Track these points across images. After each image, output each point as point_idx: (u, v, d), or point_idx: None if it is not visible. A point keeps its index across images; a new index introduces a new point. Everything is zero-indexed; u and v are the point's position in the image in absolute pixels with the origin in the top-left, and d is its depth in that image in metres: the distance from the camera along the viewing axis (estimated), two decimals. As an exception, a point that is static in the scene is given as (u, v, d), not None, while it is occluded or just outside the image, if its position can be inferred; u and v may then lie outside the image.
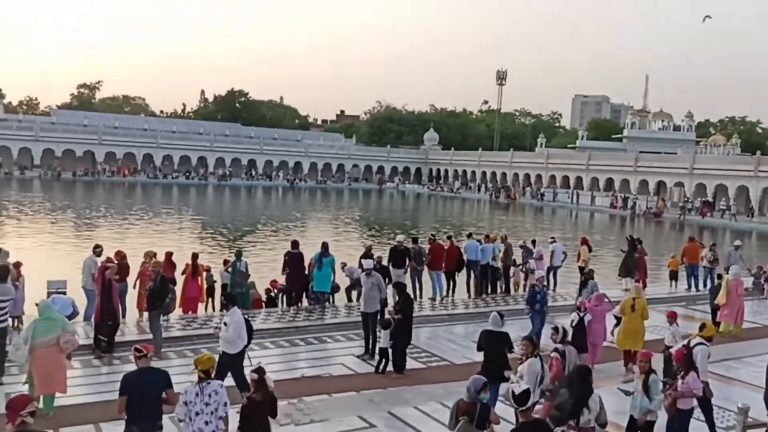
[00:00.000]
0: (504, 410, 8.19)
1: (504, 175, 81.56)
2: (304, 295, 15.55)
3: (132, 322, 13.49)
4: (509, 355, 8.98)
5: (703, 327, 9.20)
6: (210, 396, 6.30)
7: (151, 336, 11.70)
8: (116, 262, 12.33)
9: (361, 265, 13.50)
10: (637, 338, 11.37)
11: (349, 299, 16.11)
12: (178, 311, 13.80)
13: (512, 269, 18.51)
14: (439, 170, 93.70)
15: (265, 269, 19.76)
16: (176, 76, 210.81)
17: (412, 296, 13.54)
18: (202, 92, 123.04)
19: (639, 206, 57.12)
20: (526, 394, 5.81)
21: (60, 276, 14.71)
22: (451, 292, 17.51)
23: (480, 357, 9.24)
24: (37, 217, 36.14)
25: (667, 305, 16.16)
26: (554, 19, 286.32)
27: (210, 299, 15.55)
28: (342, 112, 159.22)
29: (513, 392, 5.87)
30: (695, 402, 8.06)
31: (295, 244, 15.42)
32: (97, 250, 13.44)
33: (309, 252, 15.93)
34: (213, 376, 6.60)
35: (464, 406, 6.17)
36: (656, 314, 13.71)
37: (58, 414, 8.61)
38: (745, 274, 19.57)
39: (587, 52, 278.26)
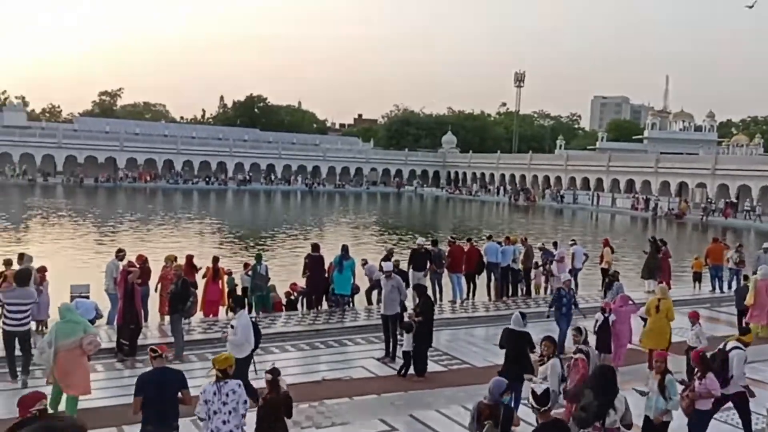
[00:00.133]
0: (522, 411, 8.13)
1: (523, 177, 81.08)
2: (324, 298, 15.55)
3: (154, 326, 13.59)
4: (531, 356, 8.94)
5: (747, 331, 9.14)
6: (227, 395, 6.31)
7: (172, 339, 11.78)
8: (138, 266, 12.44)
9: (381, 268, 13.48)
10: (662, 339, 11.22)
11: (369, 302, 16.09)
12: (199, 314, 13.88)
13: (533, 271, 18.37)
14: (457, 173, 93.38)
15: (285, 272, 19.81)
16: (196, 83, 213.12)
17: (432, 299, 13.48)
18: (221, 98, 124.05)
19: (660, 208, 56.46)
20: (546, 394, 5.80)
21: (83, 280, 14.87)
22: (471, 294, 17.41)
23: (502, 359, 9.21)
24: (61, 223, 36.60)
25: (691, 307, 15.86)
26: (572, 20, 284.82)
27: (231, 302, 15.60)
28: (360, 116, 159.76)
29: (534, 392, 5.84)
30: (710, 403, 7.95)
31: (315, 247, 15.44)
32: (120, 254, 13.57)
33: (329, 255, 15.94)
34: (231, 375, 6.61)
35: (487, 410, 6.08)
36: (679, 316, 13.48)
37: (81, 416, 8.66)
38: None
39: (606, 52, 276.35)
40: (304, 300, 15.75)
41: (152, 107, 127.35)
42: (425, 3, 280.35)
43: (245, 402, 6.41)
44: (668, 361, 7.77)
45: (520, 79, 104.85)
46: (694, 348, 9.85)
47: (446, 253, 17.04)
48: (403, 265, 15.39)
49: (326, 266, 15.42)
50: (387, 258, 14.16)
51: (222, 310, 14.85)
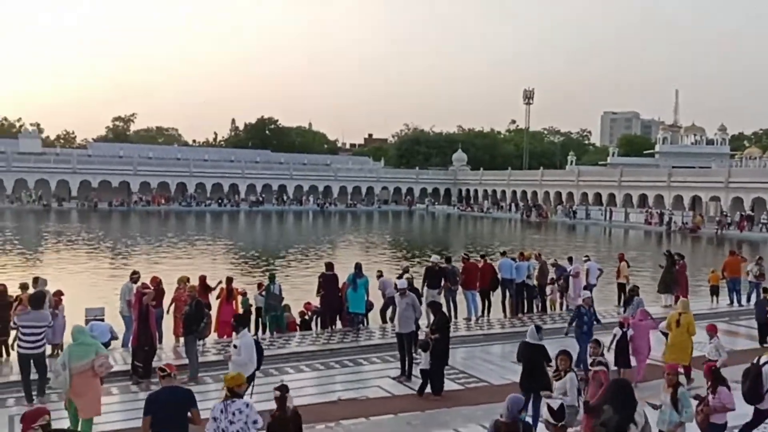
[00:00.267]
0: (541, 428, 8.00)
1: (534, 193, 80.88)
2: (338, 316, 15.49)
3: (168, 348, 13.57)
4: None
5: None
6: (234, 414, 6.23)
7: (187, 361, 11.74)
8: (152, 287, 12.46)
9: (396, 286, 13.40)
10: (684, 354, 11.07)
11: (384, 320, 16.00)
12: (213, 336, 13.86)
13: (549, 287, 18.22)
14: (468, 190, 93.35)
15: (298, 292, 19.79)
16: (207, 106, 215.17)
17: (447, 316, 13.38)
18: (233, 121, 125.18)
19: (674, 222, 56.04)
20: (562, 409, 5.82)
21: (98, 303, 14.92)
22: (486, 311, 17.27)
23: (519, 377, 9.15)
24: (75, 247, 36.85)
25: (709, 321, 15.67)
26: (580, 36, 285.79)
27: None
28: (370, 135, 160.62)
29: (550, 407, 5.78)
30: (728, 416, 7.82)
31: (329, 266, 15.41)
32: (134, 276, 13.62)
33: (342, 274, 15.90)
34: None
35: (504, 427, 5.99)
36: (698, 330, 13.31)
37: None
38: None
39: (615, 68, 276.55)
40: (318, 319, 15.70)
41: (165, 131, 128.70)
42: (434, 22, 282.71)
43: (255, 422, 6.30)
44: (690, 376, 7.66)
45: (529, 96, 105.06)
46: (714, 361, 9.72)
47: (460, 270, 16.95)
48: (417, 283, 15.32)
49: (340, 285, 15.37)
50: (402, 275, 14.10)
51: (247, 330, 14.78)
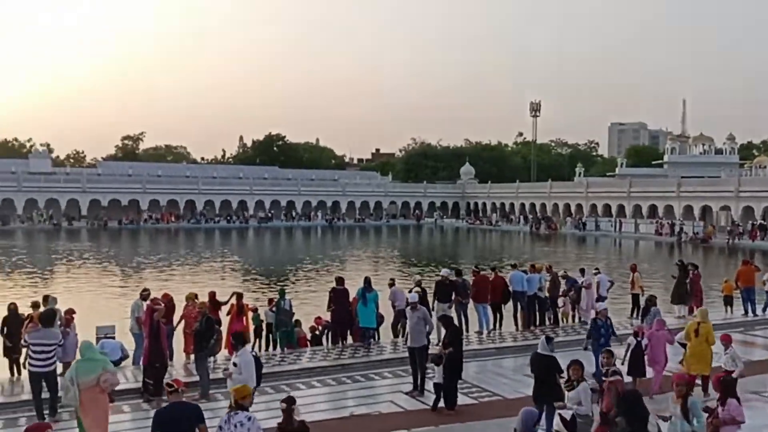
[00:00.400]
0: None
1: (543, 206, 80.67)
2: (349, 332, 15.41)
3: (179, 365, 13.53)
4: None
5: None
6: (236, 426, 6.25)
7: (198, 378, 11.69)
8: (163, 304, 12.44)
9: (407, 301, 13.33)
10: (705, 364, 10.95)
11: (395, 335, 15.91)
12: (224, 352, 13.79)
13: (561, 300, 18.07)
14: (476, 204, 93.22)
15: (308, 307, 19.74)
16: (215, 124, 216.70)
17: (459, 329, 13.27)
18: (241, 138, 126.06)
19: (685, 232, 55.67)
20: (574, 419, 5.70)
21: (108, 321, 14.92)
22: (498, 324, 17.14)
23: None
24: (86, 265, 36.99)
25: (724, 331, 15.51)
26: (586, 47, 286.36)
27: (257, 339, 15.55)
28: (377, 150, 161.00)
29: (563, 418, 5.75)
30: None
31: (340, 281, 15.36)
32: (144, 293, 13.61)
33: (351, 289, 15.83)
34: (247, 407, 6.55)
35: (521, 442, 5.93)
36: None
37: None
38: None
39: (622, 79, 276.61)
40: (329, 334, 15.63)
41: (173, 149, 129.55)
42: (438, 36, 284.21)
43: None
44: (708, 388, 7.54)
45: (535, 109, 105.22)
46: (731, 372, 9.59)
47: (471, 283, 16.85)
48: (430, 297, 15.23)
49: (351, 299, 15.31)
50: (412, 290, 14.04)
51: (247, 347, 14.73)
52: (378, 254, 46.39)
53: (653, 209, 66.83)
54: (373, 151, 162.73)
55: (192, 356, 12.93)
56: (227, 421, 6.32)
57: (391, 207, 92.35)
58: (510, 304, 17.27)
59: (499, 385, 12.28)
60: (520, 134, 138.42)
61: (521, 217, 79.51)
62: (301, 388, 11.97)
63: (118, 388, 11.16)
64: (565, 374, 8.66)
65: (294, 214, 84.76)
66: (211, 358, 12.67)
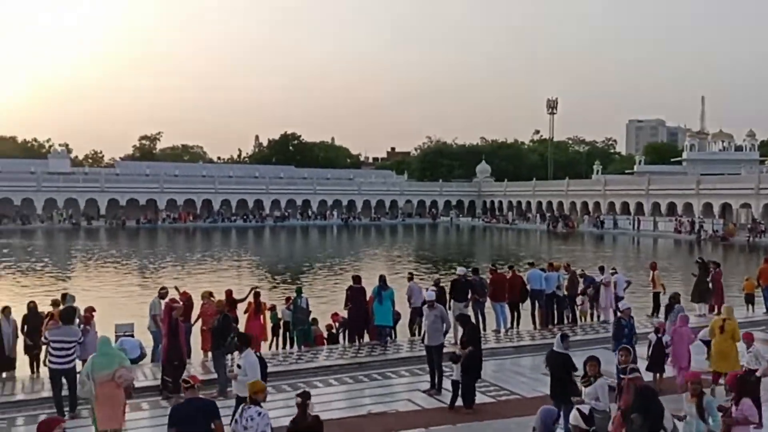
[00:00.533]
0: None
1: (560, 204, 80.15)
2: (365, 330, 15.38)
3: (197, 362, 13.59)
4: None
5: None
6: (247, 420, 6.39)
7: (215, 375, 11.73)
8: (182, 302, 12.50)
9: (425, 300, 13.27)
10: (731, 360, 10.82)
11: (412, 333, 15.86)
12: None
13: (579, 298, 17.92)
14: (493, 202, 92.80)
15: (325, 306, 19.75)
16: (231, 124, 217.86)
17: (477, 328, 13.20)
18: (257, 137, 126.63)
19: (705, 230, 55.03)
20: (591, 414, 5.96)
21: (128, 319, 15.03)
22: (515, 323, 17.05)
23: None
24: (104, 264, 37.34)
25: (746, 330, 15.28)
26: (603, 44, 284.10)
27: (275, 337, 15.58)
28: (393, 149, 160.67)
29: (582, 413, 5.73)
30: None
31: (356, 279, 15.36)
32: (162, 291, 13.69)
33: (368, 288, 15.81)
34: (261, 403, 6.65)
35: (540, 441, 5.87)
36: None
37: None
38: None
39: (639, 75, 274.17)
40: (346, 332, 15.62)
41: (190, 149, 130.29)
42: (454, 34, 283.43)
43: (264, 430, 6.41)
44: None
45: (552, 106, 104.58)
46: (755, 371, 9.44)
47: (488, 282, 16.76)
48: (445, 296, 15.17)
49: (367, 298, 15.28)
50: (428, 289, 13.99)
51: (264, 345, 14.78)
52: (394, 253, 46.34)
53: (672, 207, 66.14)
54: (389, 149, 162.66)
55: (210, 354, 12.96)
56: (241, 414, 6.51)
57: (407, 206, 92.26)
58: (528, 302, 17.17)
59: (518, 384, 12.20)
60: (537, 132, 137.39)
61: (538, 215, 79.07)
62: (319, 386, 11.96)
63: (137, 385, 11.28)
64: (579, 371, 8.65)
65: (310, 213, 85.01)
66: (229, 356, 12.70)
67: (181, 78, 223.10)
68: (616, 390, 8.70)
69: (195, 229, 71.72)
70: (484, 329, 16.18)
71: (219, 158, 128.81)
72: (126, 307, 21.13)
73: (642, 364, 11.00)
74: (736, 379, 7.61)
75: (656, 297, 18.50)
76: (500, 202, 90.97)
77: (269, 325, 15.04)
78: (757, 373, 9.25)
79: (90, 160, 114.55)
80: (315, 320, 15.68)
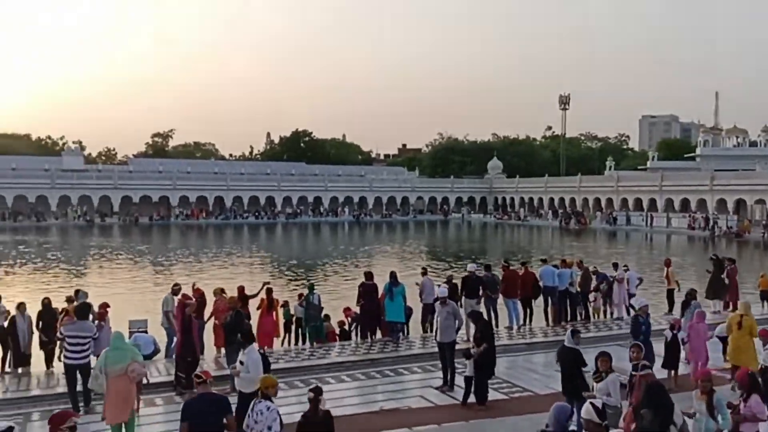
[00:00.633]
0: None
1: (572, 200, 79.77)
2: (378, 326, 15.38)
3: (210, 358, 13.65)
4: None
5: None
6: (257, 414, 6.48)
7: (228, 371, 11.76)
8: (195, 299, 12.56)
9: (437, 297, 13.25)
10: (749, 356, 10.72)
11: (425, 330, 15.85)
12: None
13: (592, 294, 17.82)
14: (504, 198, 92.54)
15: (337, 302, 19.76)
16: (243, 121, 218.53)
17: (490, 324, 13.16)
18: (268, 134, 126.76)
19: (719, 227, 54.55)
20: (604, 409, 5.89)
21: (141, 315, 15.12)
22: (528, 320, 16.99)
23: (563, 385, 9.06)
24: (118, 260, 37.59)
25: (762, 327, 15.14)
26: (616, 39, 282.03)
27: (287, 334, 15.62)
28: (404, 145, 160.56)
29: (595, 407, 5.71)
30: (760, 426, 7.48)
31: (369, 276, 15.35)
32: (175, 288, 13.76)
33: (379, 284, 15.80)
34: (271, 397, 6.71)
35: (554, 438, 5.84)
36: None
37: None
38: None
39: (652, 71, 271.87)
40: (358, 328, 15.62)
41: (202, 146, 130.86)
42: (466, 30, 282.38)
43: (269, 428, 6.45)
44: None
45: (564, 102, 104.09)
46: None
47: (501, 278, 16.71)
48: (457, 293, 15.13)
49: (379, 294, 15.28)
50: (441, 285, 13.97)
51: (277, 341, 14.82)
52: (405, 249, 46.31)
53: (686, 203, 65.66)
54: (400, 146, 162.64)
55: (222, 350, 13.02)
56: (252, 408, 6.60)
57: (418, 202, 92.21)
58: (540, 299, 17.11)
59: (530, 381, 12.17)
60: (549, 128, 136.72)
61: (550, 211, 78.72)
62: (331, 382, 11.98)
63: (151, 381, 11.36)
64: (590, 367, 8.66)
65: (321, 209, 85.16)
66: (241, 352, 12.73)
67: (192, 76, 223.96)
68: (627, 387, 8.66)
69: (207, 225, 72.03)
70: (497, 326, 16.14)
71: (231, 155, 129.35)
72: (140, 303, 21.27)
73: (658, 362, 10.96)
74: (747, 376, 7.54)
75: (670, 294, 18.37)
76: (512, 199, 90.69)
77: (281, 321, 15.10)
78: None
79: (103, 158, 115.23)
80: (327, 316, 15.70)
